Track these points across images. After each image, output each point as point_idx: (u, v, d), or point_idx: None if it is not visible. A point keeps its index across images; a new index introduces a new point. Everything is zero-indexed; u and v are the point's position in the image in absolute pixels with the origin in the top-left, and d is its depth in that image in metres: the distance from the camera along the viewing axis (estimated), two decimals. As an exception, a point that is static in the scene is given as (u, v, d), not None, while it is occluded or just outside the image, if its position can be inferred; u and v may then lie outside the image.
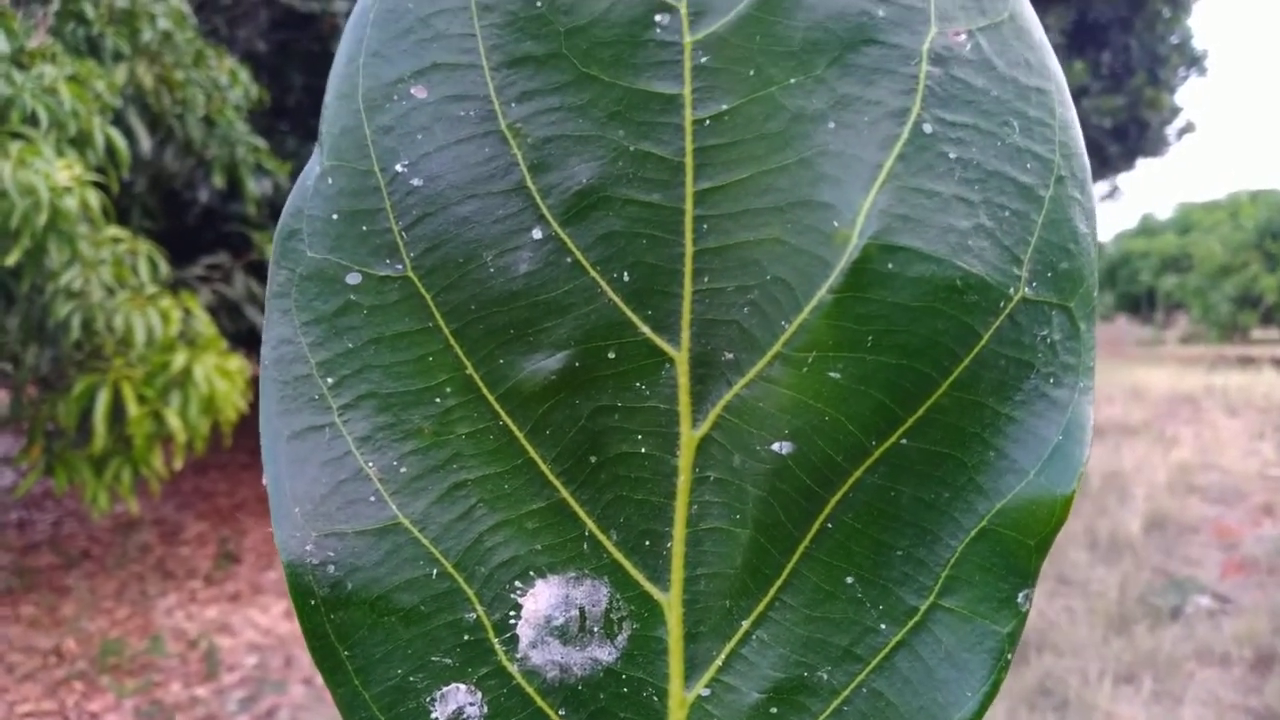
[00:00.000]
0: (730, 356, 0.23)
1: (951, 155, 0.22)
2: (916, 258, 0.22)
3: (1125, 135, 10.53)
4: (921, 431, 0.23)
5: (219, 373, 4.51)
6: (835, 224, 0.22)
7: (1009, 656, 0.23)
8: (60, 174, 3.81)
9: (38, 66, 4.03)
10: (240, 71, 5.03)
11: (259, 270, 5.40)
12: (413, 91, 0.23)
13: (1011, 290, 0.22)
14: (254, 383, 5.02)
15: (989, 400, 0.23)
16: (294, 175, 6.10)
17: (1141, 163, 11.31)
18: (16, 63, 4.02)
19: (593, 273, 0.23)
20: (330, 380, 0.24)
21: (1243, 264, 14.57)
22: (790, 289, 0.22)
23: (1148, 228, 23.25)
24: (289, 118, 6.74)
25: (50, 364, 4.52)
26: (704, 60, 0.22)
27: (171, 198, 5.42)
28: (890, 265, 0.22)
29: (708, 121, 0.22)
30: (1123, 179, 11.91)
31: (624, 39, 0.22)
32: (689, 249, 0.23)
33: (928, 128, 0.22)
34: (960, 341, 0.22)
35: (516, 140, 0.23)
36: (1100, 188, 11.82)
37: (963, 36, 0.23)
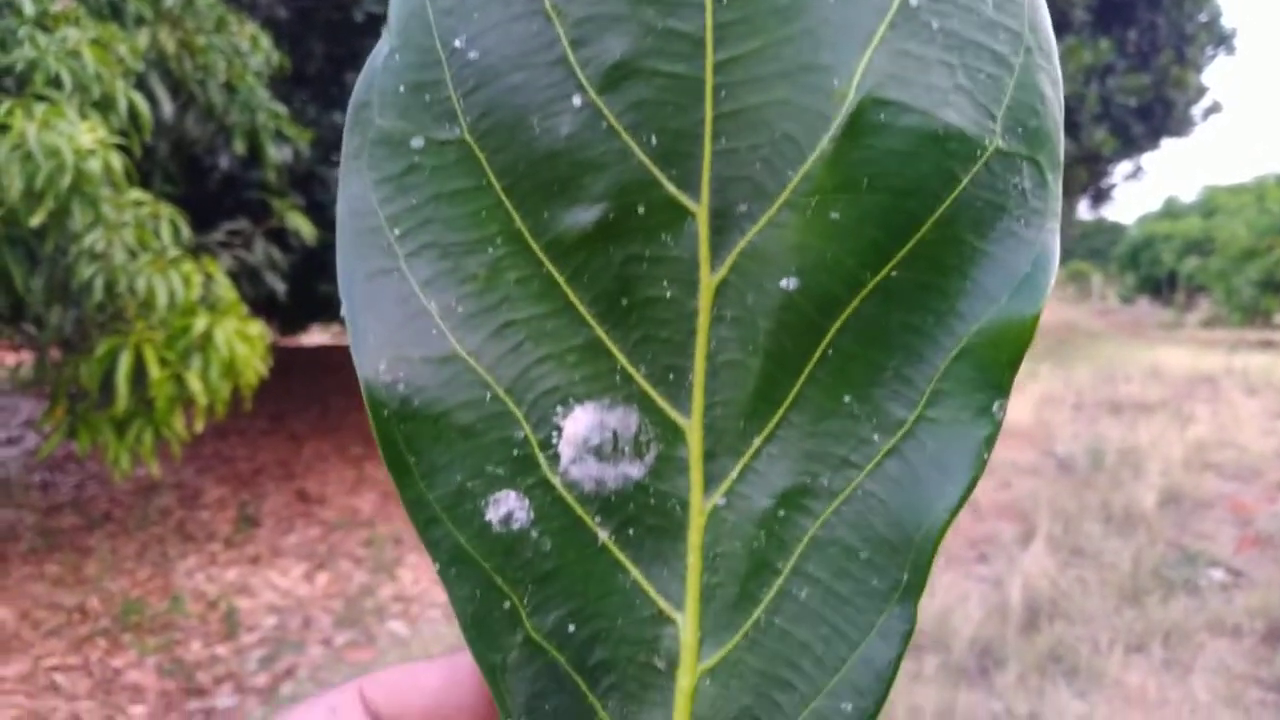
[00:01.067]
0: (744, 208, 0.26)
1: (934, 25, 0.25)
2: (904, 110, 0.25)
3: (1151, 114, 10.38)
4: (909, 264, 0.26)
5: (239, 337, 4.55)
6: (835, 83, 0.25)
7: (985, 456, 0.26)
8: (84, 136, 3.83)
9: (61, 29, 4.05)
10: (261, 37, 5.04)
11: (279, 237, 5.44)
12: None
13: (987, 141, 0.25)
14: (274, 349, 5.06)
15: (968, 236, 0.26)
16: (315, 143, 6.11)
17: (1167, 143, 11.17)
18: (41, 25, 4.04)
19: (625, 136, 0.26)
20: (397, 231, 0.27)
21: (1267, 248, 14.40)
22: (796, 143, 0.25)
23: (1172, 210, 22.98)
24: (309, 85, 6.73)
25: (73, 325, 4.58)
26: None
27: (193, 163, 5.45)
28: (882, 116, 0.25)
29: (725, 0, 0.25)
30: (1148, 160, 11.81)
31: None
32: (709, 114, 0.26)
33: (914, 1, 0.25)
34: (943, 184, 0.25)
35: (559, 18, 0.26)
36: (1124, 167, 11.70)
37: None
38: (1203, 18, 10.92)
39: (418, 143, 0.27)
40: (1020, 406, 5.59)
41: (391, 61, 0.27)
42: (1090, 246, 35.92)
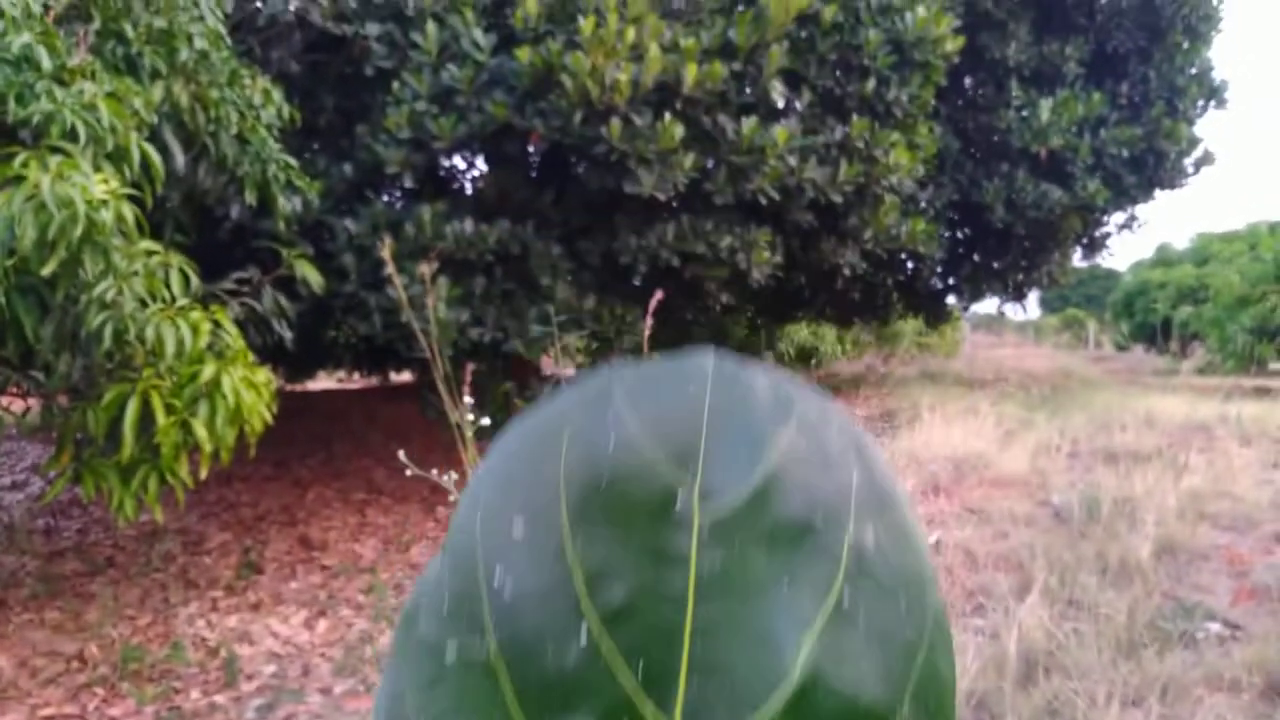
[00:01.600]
0: None
1: (860, 621, 0.33)
2: (835, 690, 0.32)
3: (1143, 165, 10.53)
4: None
5: (246, 384, 4.59)
6: (785, 657, 0.32)
7: None
8: (97, 187, 3.90)
9: (78, 83, 4.13)
10: (273, 91, 5.16)
11: (287, 285, 5.51)
12: (513, 526, 0.34)
13: (896, 715, 0.33)
14: (279, 395, 5.11)
15: None
16: (324, 193, 6.22)
17: (1160, 194, 11.31)
18: (58, 80, 4.11)
19: (620, 665, 0.33)
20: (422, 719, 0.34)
21: (1261, 296, 14.52)
22: (754, 691, 0.32)
23: (1165, 258, 23.16)
24: (320, 137, 6.88)
25: (82, 373, 4.61)
26: (706, 533, 0.33)
27: (204, 213, 5.54)
28: (819, 693, 0.32)
29: (705, 569, 0.33)
30: (1141, 208, 11.91)
31: (656, 510, 0.34)
32: (685, 654, 0.33)
33: (847, 597, 0.33)
34: None
35: (577, 568, 0.33)
36: (1117, 218, 11.82)
37: (870, 537, 0.34)
38: (1193, 71, 11.13)
39: (450, 656, 0.34)
40: (1016, 455, 5.64)
41: (441, 582, 0.34)
42: (1085, 293, 36.18)
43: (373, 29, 6.31)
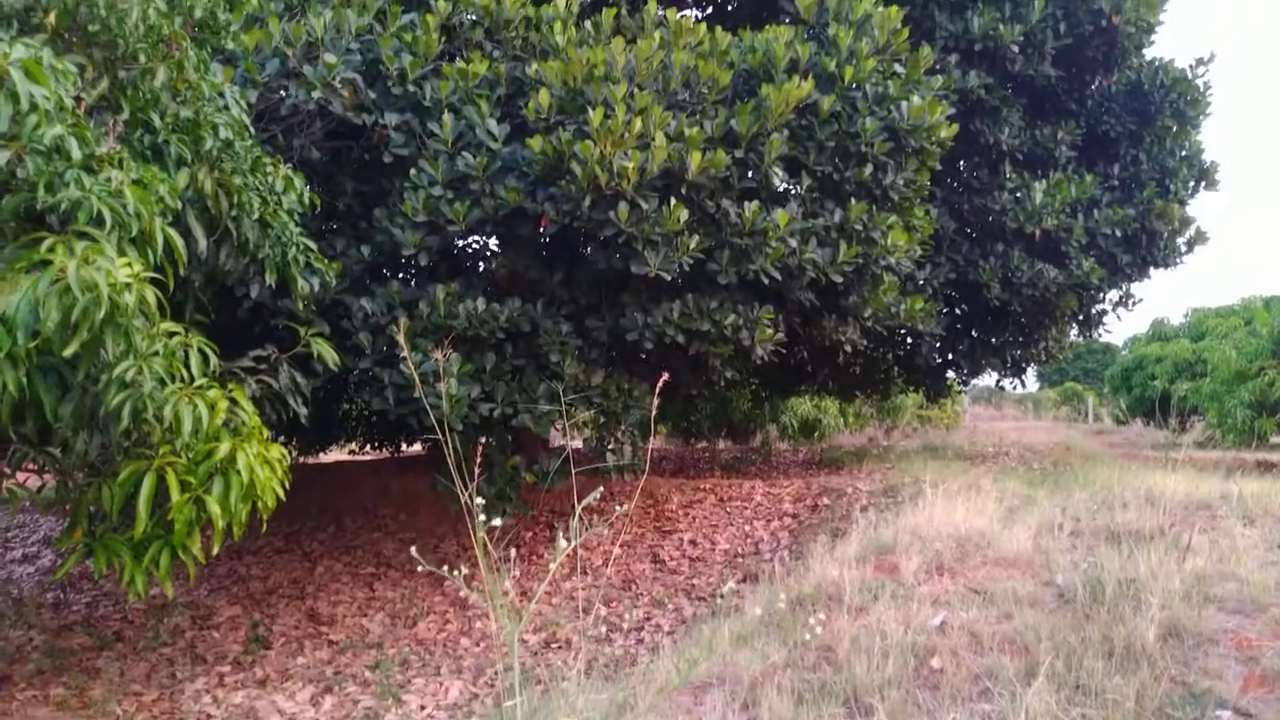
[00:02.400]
0: None
1: None
2: None
3: (1136, 245, 10.76)
4: None
5: (260, 461, 4.67)
6: None
7: None
8: (121, 271, 4.01)
9: (106, 171, 4.27)
10: (294, 178, 5.34)
11: (303, 362, 5.63)
12: None
13: None
14: (293, 467, 5.18)
15: None
16: (341, 274, 6.38)
17: (1154, 272, 11.51)
18: (87, 168, 4.24)
19: None
20: None
21: (1258, 371, 14.64)
22: None
23: (1161, 332, 23.40)
24: (339, 219, 7.08)
25: (99, 450, 4.68)
26: None
27: (224, 293, 5.68)
28: None
29: None
30: (1136, 286, 12.11)
31: None
32: None
33: None
34: None
35: None
36: (1112, 296, 12.02)
37: None
38: (1183, 153, 11.44)
39: None
40: (1019, 534, 5.68)
41: None
42: (1083, 367, 36.42)
43: (392, 118, 6.54)
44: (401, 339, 4.55)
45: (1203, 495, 6.94)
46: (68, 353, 3.94)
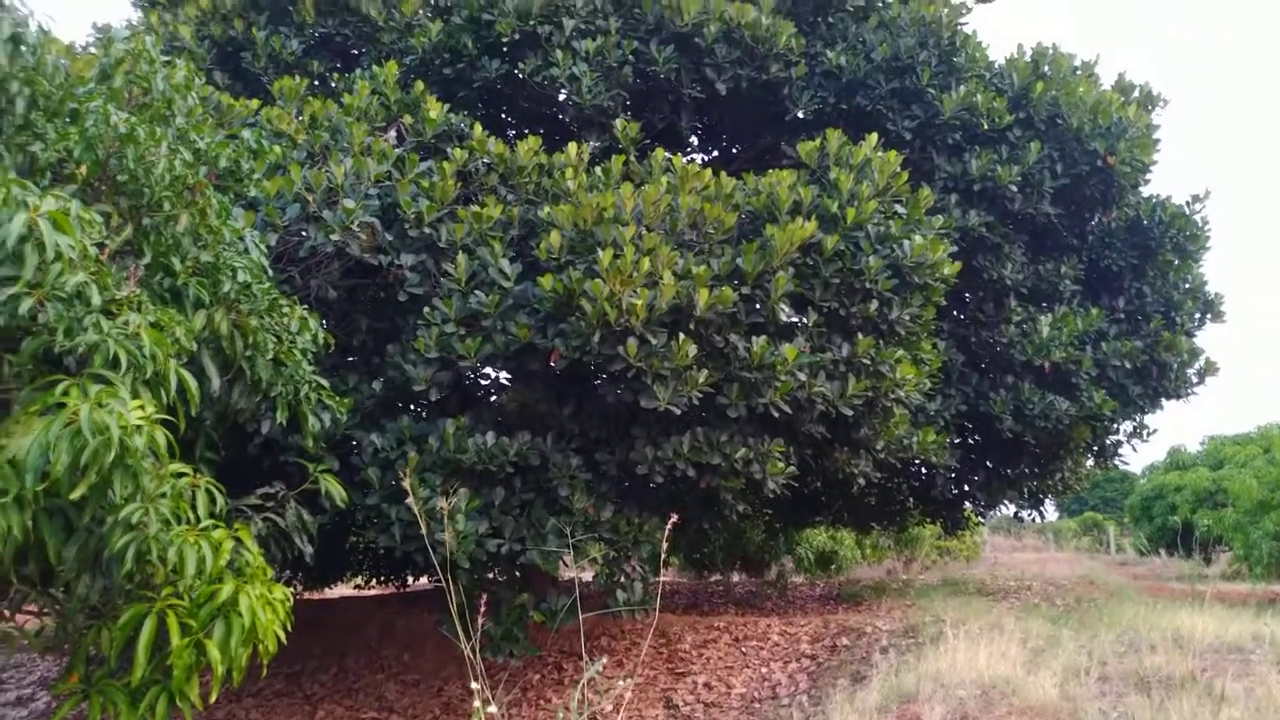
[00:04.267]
0: None
1: None
2: None
3: (1147, 376, 10.75)
4: None
5: (263, 603, 4.59)
6: None
7: None
8: (132, 414, 4.04)
9: (124, 314, 4.35)
10: (310, 319, 5.44)
11: (311, 500, 5.60)
12: None
13: None
14: (296, 609, 5.08)
15: None
16: (352, 409, 6.42)
17: (1167, 404, 11.46)
18: (106, 311, 4.31)
19: None
20: None
21: (1280, 501, 14.39)
22: None
23: (1178, 461, 23.15)
24: (353, 354, 7.19)
25: (100, 593, 4.61)
26: None
27: (235, 429, 5.70)
28: None
29: None
30: (1150, 416, 12.04)
31: None
32: None
33: None
34: None
35: None
36: (1126, 427, 11.93)
37: None
38: (1187, 285, 11.56)
39: None
40: (1044, 680, 5.47)
41: None
42: (1101, 496, 35.86)
43: (408, 259, 6.72)
44: (408, 482, 4.52)
45: (1234, 637, 6.71)
46: (75, 495, 3.94)
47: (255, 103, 7.26)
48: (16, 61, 4.49)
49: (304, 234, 6.53)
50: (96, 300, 4.17)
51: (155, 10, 9.41)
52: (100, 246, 4.51)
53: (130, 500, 4.12)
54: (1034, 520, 14.58)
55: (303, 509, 5.69)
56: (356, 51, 9.03)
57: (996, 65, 10.04)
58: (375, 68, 8.04)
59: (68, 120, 4.75)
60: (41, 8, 9.27)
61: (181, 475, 4.50)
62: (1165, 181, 38.34)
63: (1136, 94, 10.68)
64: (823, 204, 7.56)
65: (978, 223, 9.47)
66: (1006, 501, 13.25)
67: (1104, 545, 30.32)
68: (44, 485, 3.90)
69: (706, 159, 11.45)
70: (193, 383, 4.54)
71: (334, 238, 6.39)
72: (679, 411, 6.84)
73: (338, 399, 5.73)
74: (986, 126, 9.52)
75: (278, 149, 5.80)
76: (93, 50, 5.75)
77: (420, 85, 7.95)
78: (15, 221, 3.75)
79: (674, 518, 3.70)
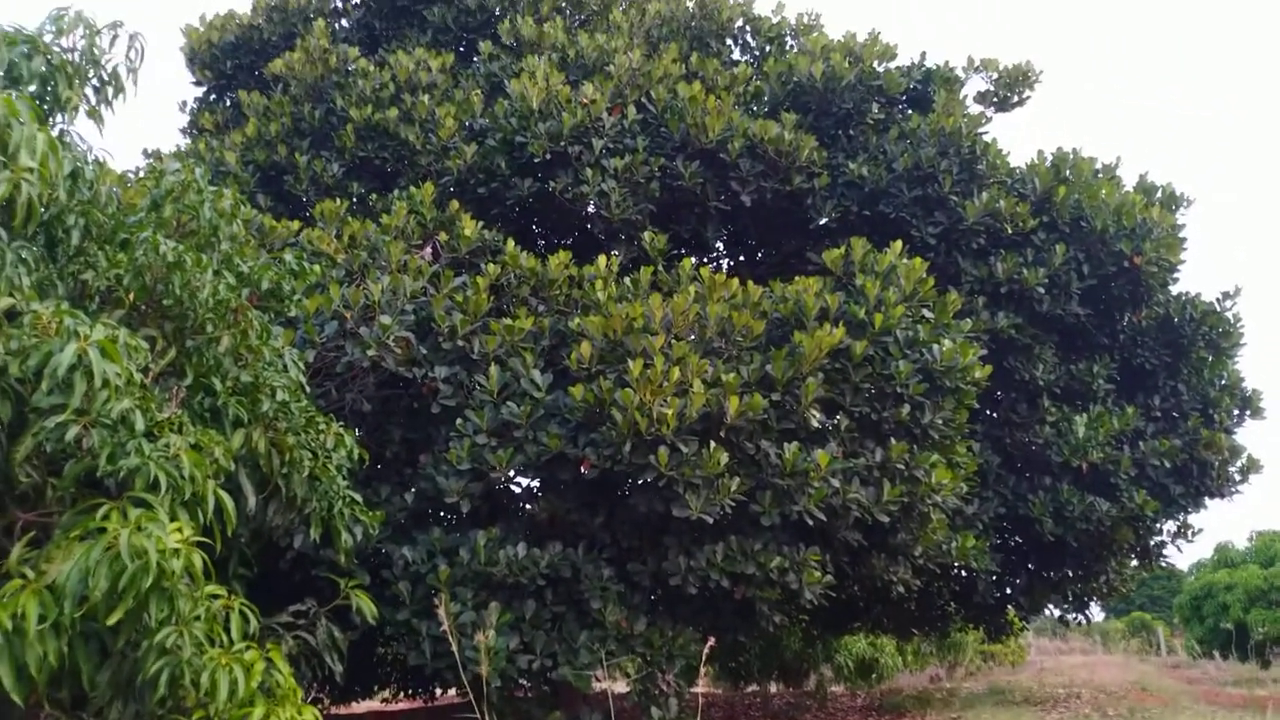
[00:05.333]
0: None
1: None
2: None
3: (1188, 475, 10.51)
4: None
5: (292, 729, 4.54)
6: None
7: None
8: (171, 537, 4.08)
9: (166, 436, 4.43)
10: (345, 435, 5.51)
11: (342, 615, 5.58)
12: None
13: None
14: (324, 729, 4.98)
15: None
16: (384, 521, 6.44)
17: (1210, 502, 11.17)
18: (148, 434, 4.38)
19: None
20: None
21: (1338, 600, 13.86)
22: None
23: (1226, 558, 22.46)
24: (386, 466, 7.26)
25: (133, 717, 4.58)
26: None
27: (268, 545, 5.73)
28: None
29: None
30: (1195, 516, 11.73)
31: None
32: None
33: None
34: None
35: None
36: (1170, 526, 11.62)
37: None
38: (1223, 382, 11.39)
39: None
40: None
41: None
42: (1148, 595, 34.72)
43: (441, 371, 6.84)
44: (443, 611, 4.50)
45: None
46: (111, 621, 3.96)
47: (296, 224, 7.53)
48: (75, 196, 4.72)
49: (341, 350, 6.67)
50: (140, 425, 4.26)
51: (203, 138, 9.86)
52: (145, 371, 4.63)
53: (165, 624, 4.13)
54: (1080, 623, 14.12)
55: (334, 626, 5.67)
56: (395, 173, 9.38)
57: (1018, 171, 10.20)
58: (413, 189, 8.34)
59: (118, 248, 4.95)
60: (94, 135, 9.79)
61: (216, 597, 4.52)
62: (1204, 274, 37.89)
63: (1159, 194, 10.77)
64: (850, 310, 7.62)
65: (1006, 324, 9.48)
66: (1050, 605, 12.85)
67: (1154, 647, 29.20)
68: (81, 611, 3.94)
69: (732, 264, 11.62)
70: (230, 503, 4.59)
71: (370, 353, 6.52)
72: (712, 520, 6.79)
73: (370, 513, 5.76)
74: (1010, 230, 9.62)
75: (318, 268, 5.99)
76: (143, 176, 6.01)
77: (455, 204, 8.21)
78: (66, 351, 3.87)
79: (711, 641, 3.64)
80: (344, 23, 11.72)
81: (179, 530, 4.19)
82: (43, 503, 4.45)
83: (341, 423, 5.67)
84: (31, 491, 4.39)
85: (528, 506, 8.68)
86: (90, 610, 3.97)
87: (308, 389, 5.68)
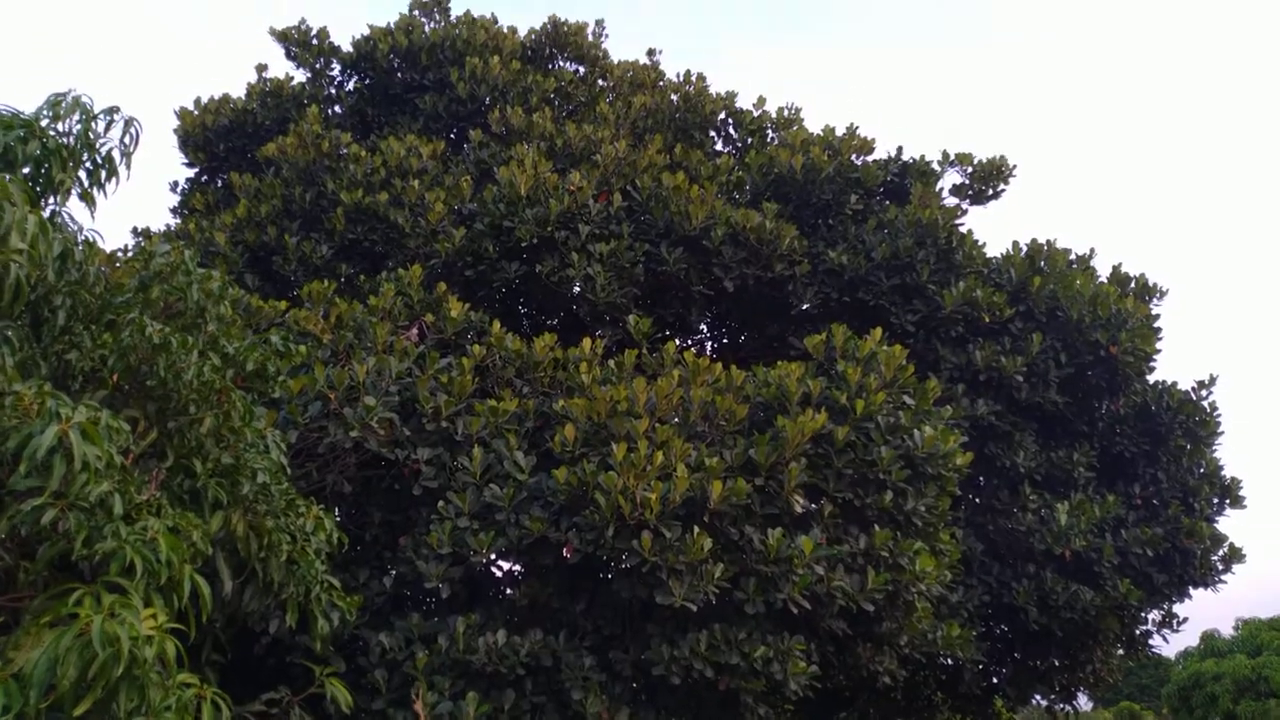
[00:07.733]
0: None
1: None
2: None
3: (1170, 564, 10.46)
4: None
5: (259, 828, 4.38)
6: None
7: None
8: (144, 624, 3.98)
9: (143, 519, 4.36)
10: (325, 519, 5.46)
11: (315, 704, 5.43)
12: None
13: None
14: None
15: None
16: (362, 606, 6.33)
17: (1195, 592, 11.10)
18: (125, 517, 4.31)
19: None
20: None
21: (1326, 692, 13.73)
22: None
23: (1213, 647, 22.28)
24: (365, 549, 7.15)
25: (93, 818, 4.39)
26: None
27: (243, 630, 5.61)
28: None
29: None
30: (1180, 605, 11.63)
31: None
32: None
33: None
34: None
35: None
36: (1155, 615, 11.52)
37: None
38: (1202, 470, 11.42)
39: None
40: None
41: None
42: (1136, 683, 34.23)
43: (424, 453, 6.81)
44: (420, 701, 4.40)
45: None
46: (79, 711, 3.83)
47: (283, 304, 7.57)
48: (63, 276, 4.73)
49: (324, 430, 6.64)
50: (118, 508, 4.19)
51: (194, 218, 9.96)
52: (125, 452, 4.59)
53: (135, 714, 4.00)
54: (1067, 713, 13.88)
55: (307, 716, 5.51)
56: (384, 255, 9.48)
57: (994, 261, 10.43)
58: (401, 270, 8.42)
59: (104, 328, 4.95)
60: (85, 215, 9.87)
61: (188, 685, 4.39)
62: (1189, 361, 37.54)
63: (1133, 285, 11.01)
64: (832, 395, 7.67)
65: (986, 411, 9.56)
66: (1037, 694, 12.66)
67: (1145, 739, 28.66)
68: (48, 701, 3.81)
69: (715, 347, 11.73)
70: (206, 588, 4.50)
71: (354, 434, 6.50)
72: (695, 608, 6.70)
73: (347, 599, 5.66)
74: (988, 319, 9.78)
75: (303, 349, 5.99)
76: (133, 256, 6.04)
77: (443, 286, 8.30)
78: (47, 434, 3.84)
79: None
80: (337, 109, 11.99)
81: (153, 617, 4.10)
82: (14, 586, 4.35)
83: (321, 505, 5.61)
84: (3, 574, 4.30)
85: (508, 591, 8.55)
86: (58, 700, 3.85)
87: (289, 470, 5.63)
